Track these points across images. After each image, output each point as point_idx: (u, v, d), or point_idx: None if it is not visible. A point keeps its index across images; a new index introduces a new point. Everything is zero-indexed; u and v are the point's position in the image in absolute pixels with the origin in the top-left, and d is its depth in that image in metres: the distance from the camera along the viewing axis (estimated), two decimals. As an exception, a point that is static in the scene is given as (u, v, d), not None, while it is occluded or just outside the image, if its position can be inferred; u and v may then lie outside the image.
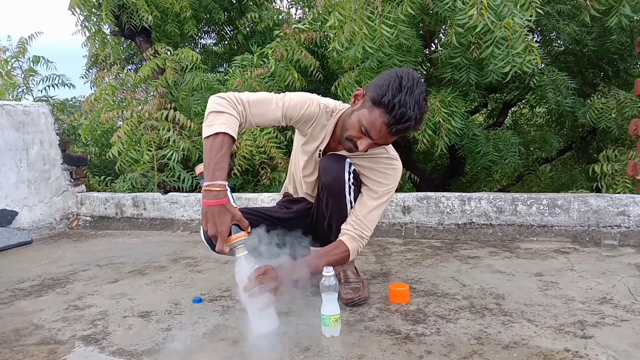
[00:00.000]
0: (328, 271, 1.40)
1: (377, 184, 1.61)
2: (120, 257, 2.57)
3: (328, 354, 1.28)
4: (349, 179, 1.57)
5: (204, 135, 1.36)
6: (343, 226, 1.59)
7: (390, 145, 1.61)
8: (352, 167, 1.58)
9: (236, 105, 1.41)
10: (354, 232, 1.58)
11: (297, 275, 1.41)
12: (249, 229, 1.39)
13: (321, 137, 1.62)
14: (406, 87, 1.34)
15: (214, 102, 1.40)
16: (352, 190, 1.59)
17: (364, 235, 1.59)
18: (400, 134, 1.40)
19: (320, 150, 1.64)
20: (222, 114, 1.37)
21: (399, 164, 1.64)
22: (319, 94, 1.62)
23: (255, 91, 3.74)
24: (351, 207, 1.60)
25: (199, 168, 1.38)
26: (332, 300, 1.38)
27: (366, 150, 1.46)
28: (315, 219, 1.74)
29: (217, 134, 1.33)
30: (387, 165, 1.62)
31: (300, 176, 1.77)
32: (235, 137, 1.38)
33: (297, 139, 1.73)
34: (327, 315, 1.38)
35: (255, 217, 1.60)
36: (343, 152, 1.60)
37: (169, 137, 3.84)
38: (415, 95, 1.35)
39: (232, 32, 5.91)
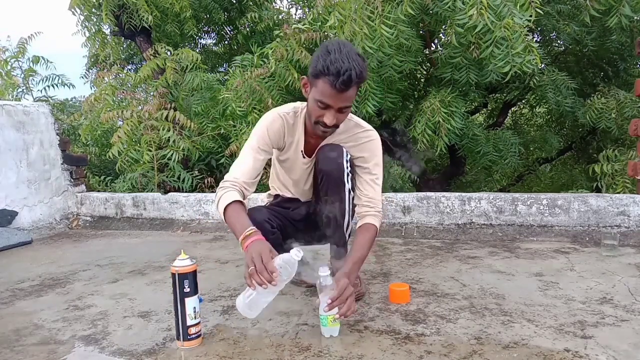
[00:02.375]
0: (324, 271, 1.38)
1: (365, 160, 1.68)
2: (120, 257, 2.57)
3: (328, 354, 1.28)
4: (347, 167, 1.64)
5: (222, 218, 1.49)
6: (358, 209, 1.66)
7: (363, 121, 1.72)
8: (349, 156, 1.65)
9: (225, 185, 1.54)
10: (372, 210, 1.63)
11: (355, 279, 1.48)
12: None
13: (297, 136, 1.69)
14: (333, 49, 1.43)
15: (215, 201, 1.54)
16: (349, 178, 1.65)
17: (380, 210, 1.66)
18: (348, 86, 1.43)
19: (302, 151, 1.70)
20: (220, 198, 1.50)
21: (374, 133, 1.72)
22: None
23: (256, 90, 3.77)
24: (349, 195, 1.65)
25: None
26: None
27: (336, 123, 1.50)
28: (314, 216, 1.78)
29: (224, 212, 1.47)
30: (367, 138, 1.69)
31: (290, 183, 1.83)
32: (240, 198, 1.49)
33: (274, 154, 1.79)
34: (325, 315, 1.37)
35: (278, 218, 1.73)
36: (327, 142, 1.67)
37: (169, 137, 3.85)
38: (344, 51, 1.43)
39: (232, 32, 5.91)
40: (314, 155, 1.71)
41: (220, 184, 1.56)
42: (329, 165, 1.62)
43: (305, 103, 1.69)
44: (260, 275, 1.24)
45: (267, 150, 1.64)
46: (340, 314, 1.35)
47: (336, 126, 1.53)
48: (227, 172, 1.61)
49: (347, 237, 1.75)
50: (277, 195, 1.90)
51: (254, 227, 1.39)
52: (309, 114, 1.57)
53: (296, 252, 1.30)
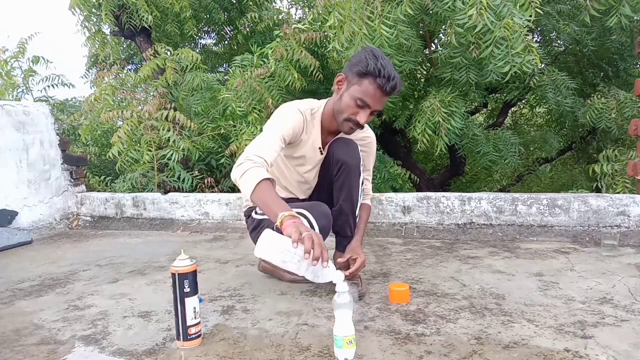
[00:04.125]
0: (342, 287, 1.23)
1: (365, 157, 1.87)
2: (120, 257, 2.57)
3: (328, 354, 1.28)
4: (362, 157, 1.77)
5: (248, 194, 1.41)
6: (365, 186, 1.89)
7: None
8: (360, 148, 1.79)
9: (252, 159, 1.47)
10: (366, 196, 1.95)
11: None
12: None
13: (314, 135, 1.74)
14: (379, 56, 1.55)
15: (237, 170, 1.46)
16: (362, 169, 1.78)
17: (370, 192, 2.01)
18: (391, 93, 1.57)
19: (320, 148, 1.76)
20: (249, 170, 1.44)
21: (372, 133, 1.93)
22: (319, 94, 1.67)
23: (255, 90, 3.77)
24: (362, 185, 1.80)
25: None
26: (346, 318, 1.22)
27: (365, 122, 1.62)
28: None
29: (257, 184, 1.40)
30: (368, 138, 1.91)
31: (299, 180, 1.84)
32: (270, 177, 1.43)
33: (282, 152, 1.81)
34: (340, 336, 1.21)
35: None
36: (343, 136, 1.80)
37: (169, 137, 3.85)
38: (387, 60, 1.57)
39: (232, 32, 5.91)
40: (325, 150, 1.79)
41: (245, 157, 1.48)
42: (349, 156, 1.72)
43: (320, 101, 1.77)
44: (317, 248, 1.22)
45: (286, 142, 1.62)
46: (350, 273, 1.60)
47: (362, 126, 1.65)
48: (229, 168, 1.63)
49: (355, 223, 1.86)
50: None
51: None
52: (340, 110, 1.63)
53: (343, 279, 1.26)
